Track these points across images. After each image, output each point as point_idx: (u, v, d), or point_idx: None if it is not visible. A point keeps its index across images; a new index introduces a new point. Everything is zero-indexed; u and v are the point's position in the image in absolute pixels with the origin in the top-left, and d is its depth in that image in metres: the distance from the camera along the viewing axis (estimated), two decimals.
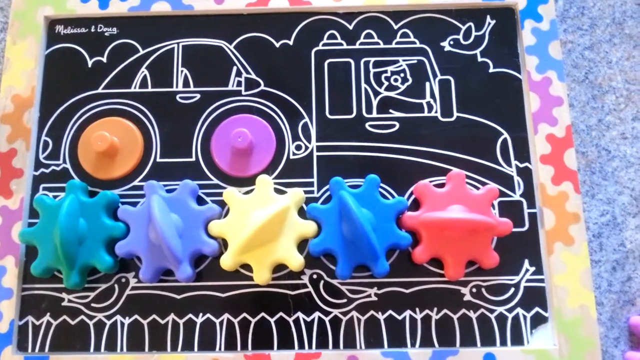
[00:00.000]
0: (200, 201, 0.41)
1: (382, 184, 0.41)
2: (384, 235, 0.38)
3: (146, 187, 0.40)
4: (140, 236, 0.38)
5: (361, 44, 0.44)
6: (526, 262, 0.40)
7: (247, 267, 0.39)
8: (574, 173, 0.41)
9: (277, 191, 0.40)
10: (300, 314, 0.39)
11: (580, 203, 0.41)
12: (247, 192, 0.40)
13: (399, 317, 0.39)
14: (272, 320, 0.39)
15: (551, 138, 0.42)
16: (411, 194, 0.41)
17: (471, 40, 0.44)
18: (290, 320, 0.39)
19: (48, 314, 0.39)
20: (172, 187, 0.41)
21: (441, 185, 0.41)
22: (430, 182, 0.41)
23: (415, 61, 0.44)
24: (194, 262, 0.39)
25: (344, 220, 0.37)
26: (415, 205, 0.41)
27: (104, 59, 0.44)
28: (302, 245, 0.40)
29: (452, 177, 0.40)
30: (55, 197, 0.41)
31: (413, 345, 0.39)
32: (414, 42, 0.44)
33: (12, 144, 0.42)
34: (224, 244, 0.40)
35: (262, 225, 0.36)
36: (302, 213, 0.40)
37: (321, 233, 0.38)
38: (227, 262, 0.38)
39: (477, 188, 0.41)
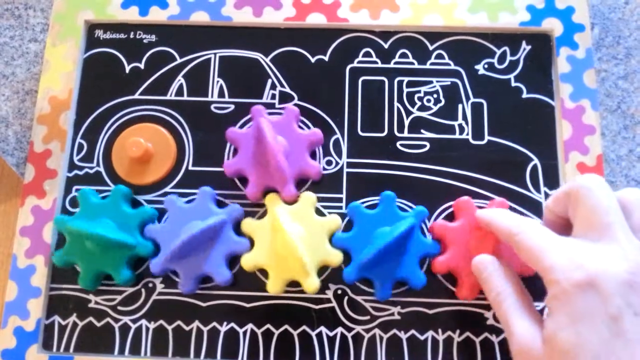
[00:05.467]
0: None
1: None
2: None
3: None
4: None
5: (396, 63, 0.44)
6: None
7: None
8: None
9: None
10: (323, 329, 0.40)
11: None
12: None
13: (421, 338, 0.39)
14: (295, 333, 0.40)
15: (582, 167, 0.42)
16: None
17: (506, 64, 0.44)
18: (313, 334, 0.39)
19: (74, 314, 0.40)
20: None
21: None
22: None
23: (449, 83, 0.44)
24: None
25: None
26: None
27: (142, 66, 0.44)
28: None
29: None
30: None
31: None
32: (448, 64, 0.44)
33: (47, 144, 0.43)
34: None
35: (292, 241, 0.36)
36: None
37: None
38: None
39: None
